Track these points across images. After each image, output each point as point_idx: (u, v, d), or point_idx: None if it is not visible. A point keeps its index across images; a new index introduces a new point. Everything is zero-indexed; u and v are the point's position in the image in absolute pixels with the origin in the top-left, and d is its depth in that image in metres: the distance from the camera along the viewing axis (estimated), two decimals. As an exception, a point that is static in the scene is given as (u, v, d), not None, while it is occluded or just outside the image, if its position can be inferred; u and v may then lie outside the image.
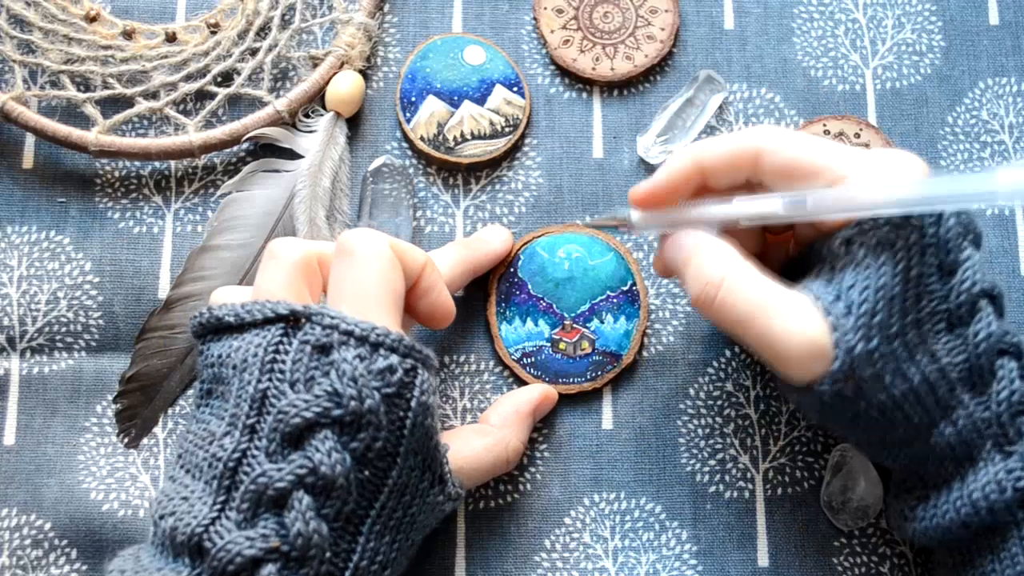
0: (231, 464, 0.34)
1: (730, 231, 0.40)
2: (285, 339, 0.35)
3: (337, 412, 0.34)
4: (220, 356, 0.37)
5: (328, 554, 0.34)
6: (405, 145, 0.50)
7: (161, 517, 0.35)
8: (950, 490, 0.39)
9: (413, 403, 0.36)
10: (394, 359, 0.35)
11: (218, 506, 0.34)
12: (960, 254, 0.37)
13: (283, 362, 0.35)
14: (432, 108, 0.49)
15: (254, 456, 0.34)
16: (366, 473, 0.35)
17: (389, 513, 0.36)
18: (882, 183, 0.36)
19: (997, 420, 0.37)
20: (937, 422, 0.38)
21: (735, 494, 0.46)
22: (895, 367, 0.37)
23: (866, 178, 0.37)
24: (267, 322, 0.36)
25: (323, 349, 0.35)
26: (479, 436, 0.43)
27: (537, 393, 0.45)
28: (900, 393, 0.37)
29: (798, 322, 0.37)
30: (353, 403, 0.34)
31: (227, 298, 0.38)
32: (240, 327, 0.37)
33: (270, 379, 0.35)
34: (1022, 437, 0.37)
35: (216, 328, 0.37)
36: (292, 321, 0.36)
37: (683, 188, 0.41)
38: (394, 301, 0.37)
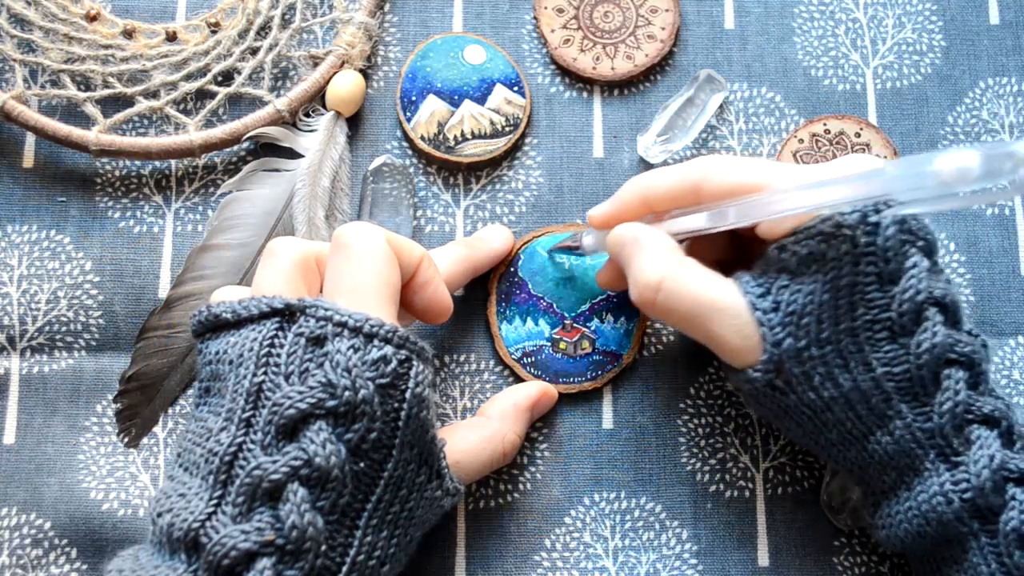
0: (227, 458, 0.34)
1: (700, 237, 0.42)
2: (280, 332, 0.35)
3: (331, 403, 0.34)
4: (217, 353, 0.37)
5: (324, 547, 0.34)
6: (405, 144, 0.50)
7: (159, 515, 0.35)
8: (898, 499, 0.39)
9: (408, 394, 0.36)
10: (388, 350, 0.35)
11: (214, 501, 0.34)
12: (904, 262, 0.37)
13: (278, 355, 0.35)
14: (432, 107, 0.49)
15: (250, 450, 0.34)
16: (361, 465, 0.35)
17: (386, 507, 0.36)
18: (798, 184, 0.37)
19: (940, 431, 0.37)
20: (872, 431, 0.38)
21: (735, 493, 0.46)
22: (826, 371, 0.38)
23: (794, 183, 0.37)
24: (263, 317, 0.36)
25: (317, 341, 0.35)
26: (475, 430, 0.43)
27: (536, 390, 0.45)
28: (829, 396, 0.38)
29: (734, 317, 0.38)
30: (347, 393, 0.34)
31: (227, 297, 0.38)
32: (237, 323, 0.37)
33: (265, 372, 0.35)
34: (969, 447, 0.37)
35: (214, 325, 0.37)
36: (287, 315, 0.36)
37: (632, 215, 0.42)
38: (390, 294, 0.37)
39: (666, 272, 0.39)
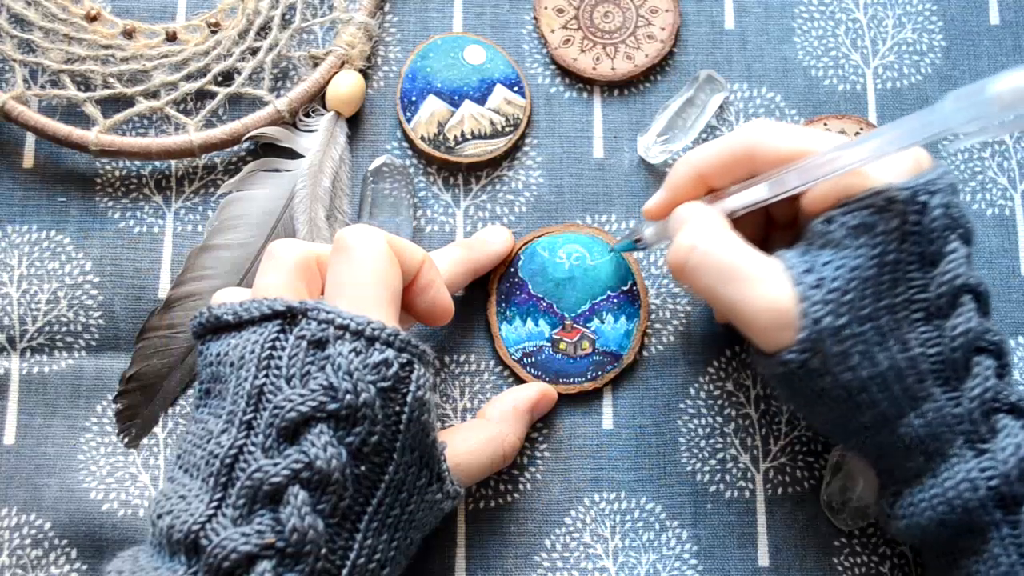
0: (228, 460, 0.34)
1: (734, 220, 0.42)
2: (282, 335, 0.35)
3: (332, 406, 0.34)
4: (218, 355, 0.37)
5: (324, 550, 0.33)
6: (405, 145, 0.50)
7: (159, 516, 0.35)
8: (923, 486, 0.39)
9: (409, 398, 0.36)
10: (389, 353, 0.35)
11: (215, 503, 0.33)
12: (945, 246, 0.37)
13: (279, 358, 0.35)
14: (432, 108, 0.49)
15: (250, 452, 0.34)
16: (362, 468, 0.34)
17: (387, 511, 0.36)
18: (861, 138, 0.37)
19: (969, 417, 0.37)
20: (905, 412, 0.38)
21: (735, 494, 0.46)
22: (864, 349, 0.37)
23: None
24: (264, 319, 0.36)
25: (319, 344, 0.35)
26: (475, 432, 0.43)
27: (536, 391, 0.45)
28: (867, 375, 0.38)
29: (767, 289, 0.38)
30: (348, 397, 0.34)
31: (228, 299, 0.38)
32: (238, 325, 0.37)
33: (266, 375, 0.35)
34: (996, 435, 0.37)
35: (215, 327, 0.37)
36: (289, 317, 0.36)
37: (688, 196, 0.42)
38: (391, 297, 0.37)
39: (702, 235, 0.39)
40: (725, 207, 0.41)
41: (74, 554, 0.45)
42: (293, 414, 0.34)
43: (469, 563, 0.45)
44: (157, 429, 0.47)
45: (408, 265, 0.38)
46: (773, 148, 0.40)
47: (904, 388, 0.38)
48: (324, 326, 0.35)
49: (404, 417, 0.35)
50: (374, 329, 0.35)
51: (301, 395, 0.34)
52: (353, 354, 0.34)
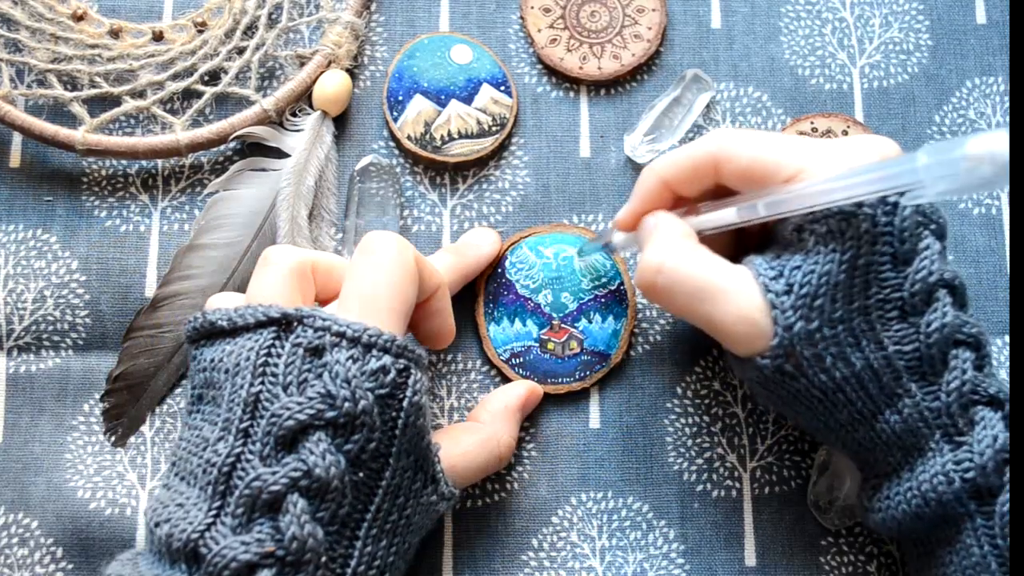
0: (225, 469, 0.34)
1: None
2: (277, 342, 0.35)
3: (330, 414, 0.34)
4: (212, 360, 0.37)
5: (324, 559, 0.34)
6: (392, 144, 0.50)
7: (157, 524, 0.35)
8: (900, 480, 0.39)
9: (405, 403, 0.36)
10: (387, 360, 0.35)
11: (213, 511, 0.34)
12: (918, 243, 0.38)
13: (276, 365, 0.35)
14: (419, 107, 0.49)
15: (248, 460, 0.34)
16: (360, 475, 0.35)
17: (385, 516, 0.36)
18: (830, 176, 0.37)
19: (947, 410, 0.37)
20: (882, 410, 0.38)
21: (722, 493, 0.46)
22: (837, 351, 0.38)
23: (819, 172, 0.37)
24: (259, 325, 0.36)
25: (316, 351, 0.35)
26: (470, 434, 0.43)
27: (524, 389, 0.45)
28: (840, 377, 0.38)
29: (738, 301, 0.38)
30: (347, 404, 0.34)
31: (222, 304, 0.38)
32: (233, 331, 0.37)
33: (263, 382, 0.35)
34: (972, 428, 0.37)
35: (209, 332, 0.37)
36: (284, 324, 0.36)
37: (657, 205, 0.42)
38: (402, 308, 0.37)
39: (668, 254, 0.39)
40: (693, 224, 0.41)
41: (60, 553, 0.45)
42: (291, 422, 0.34)
43: (456, 562, 0.45)
44: (144, 428, 0.47)
45: (426, 285, 0.39)
46: (738, 161, 0.39)
47: (880, 386, 0.38)
48: (320, 333, 0.35)
49: (400, 422, 0.35)
50: (371, 336, 0.35)
51: (299, 403, 0.34)
52: (351, 361, 0.34)
